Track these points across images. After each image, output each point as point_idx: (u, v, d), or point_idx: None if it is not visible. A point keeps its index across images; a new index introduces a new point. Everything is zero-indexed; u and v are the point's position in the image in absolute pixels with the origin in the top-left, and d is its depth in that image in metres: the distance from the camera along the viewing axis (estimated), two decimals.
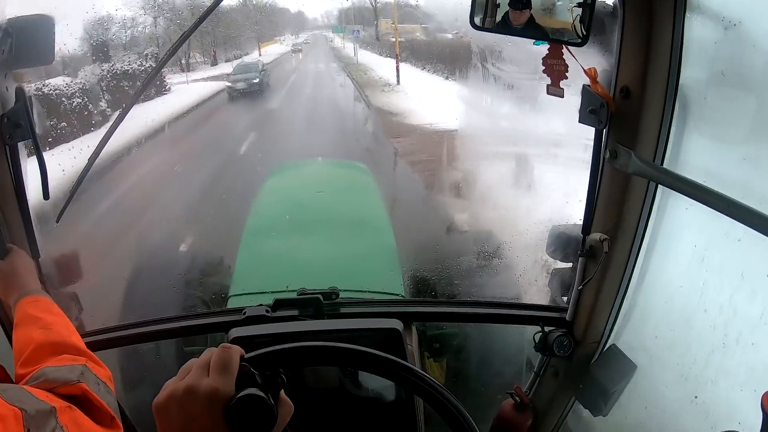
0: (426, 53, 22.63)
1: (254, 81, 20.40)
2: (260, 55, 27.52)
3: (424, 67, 22.21)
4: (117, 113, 2.13)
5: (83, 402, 1.32)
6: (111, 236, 6.50)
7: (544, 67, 2.07)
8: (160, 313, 2.74)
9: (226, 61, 24.26)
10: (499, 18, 1.98)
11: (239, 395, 1.00)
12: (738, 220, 1.68)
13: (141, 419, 2.29)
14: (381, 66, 23.88)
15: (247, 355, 1.11)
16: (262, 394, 1.01)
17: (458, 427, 1.27)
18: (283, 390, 1.07)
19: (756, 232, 1.61)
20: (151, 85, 2.22)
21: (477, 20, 2.00)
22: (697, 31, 1.95)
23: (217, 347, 1.07)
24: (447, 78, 18.26)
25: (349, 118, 17.94)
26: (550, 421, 2.71)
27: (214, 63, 24.32)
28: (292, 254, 3.92)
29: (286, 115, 17.56)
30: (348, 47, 31.43)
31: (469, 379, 3.29)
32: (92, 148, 2.12)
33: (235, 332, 2.27)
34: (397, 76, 20.48)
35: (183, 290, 4.08)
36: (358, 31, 27.75)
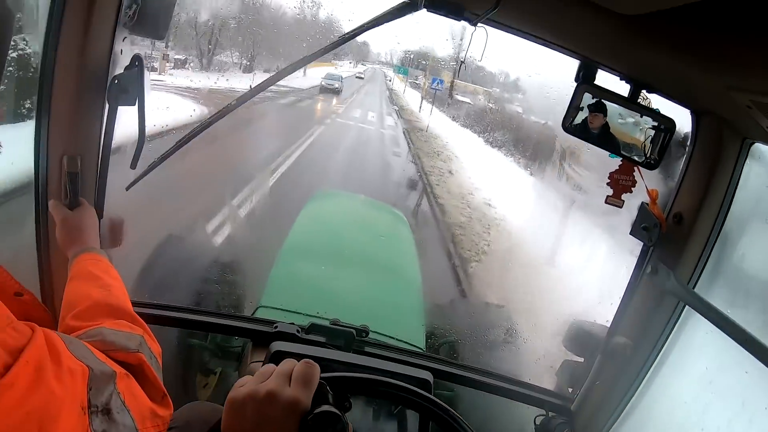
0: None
1: None
2: (304, 74, 24.45)
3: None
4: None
5: (138, 373, 1.30)
6: (156, 214, 6.53)
7: (609, 180, 2.23)
8: (180, 301, 2.78)
9: (265, 71, 20.28)
10: (578, 120, 2.12)
11: (318, 410, 1.08)
12: (751, 353, 1.81)
13: None
14: (467, 148, 17.96)
15: (323, 375, 1.18)
16: (338, 413, 1.10)
17: None
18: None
19: (763, 367, 1.76)
20: (267, 86, 2.26)
21: (567, 122, 2.13)
22: (753, 177, 2.13)
23: (298, 361, 1.16)
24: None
25: None
26: None
27: (248, 70, 20.99)
28: (325, 282, 3.99)
29: None
30: (411, 96, 28.66)
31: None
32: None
33: (276, 346, 2.30)
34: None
35: (213, 286, 4.19)
36: (441, 82, 22.98)
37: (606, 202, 2.26)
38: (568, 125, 2.13)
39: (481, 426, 3.14)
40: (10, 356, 0.88)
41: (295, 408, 1.07)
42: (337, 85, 26.25)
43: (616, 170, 2.22)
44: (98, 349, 1.20)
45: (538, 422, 2.63)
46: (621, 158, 2.17)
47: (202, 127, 2.25)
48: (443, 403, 1.45)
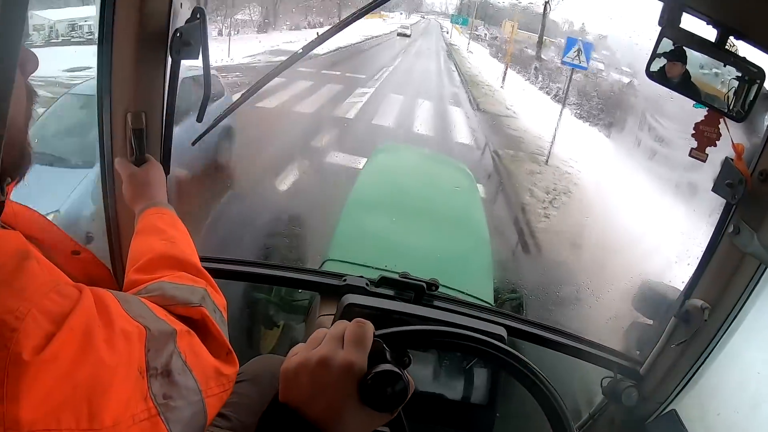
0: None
1: None
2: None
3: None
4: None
5: (200, 328, 1.25)
6: (226, 170, 6.59)
7: (694, 131, 2.10)
8: (249, 255, 2.80)
9: (293, 28, 18.01)
10: (656, 68, 2.00)
11: (377, 370, 1.03)
12: None
13: None
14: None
15: (378, 332, 1.12)
16: (398, 371, 1.04)
17: None
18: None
19: None
20: (322, 41, 2.21)
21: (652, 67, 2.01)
22: None
23: (349, 321, 1.10)
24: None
25: None
26: None
27: (263, 29, 18.04)
28: (391, 235, 3.98)
29: None
30: (478, 54, 22.03)
31: (522, 402, 3.29)
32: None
33: (349, 299, 2.30)
34: None
35: (282, 240, 4.22)
36: (465, 20, 17.15)
37: (690, 155, 2.12)
38: (650, 71, 2.01)
39: None
40: (54, 324, 0.82)
41: (350, 371, 1.02)
42: None
43: (701, 121, 2.07)
44: (158, 304, 1.17)
45: (605, 384, 2.57)
46: (706, 108, 2.03)
47: (264, 80, 2.19)
48: (517, 353, 1.42)
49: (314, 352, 1.05)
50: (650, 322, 2.61)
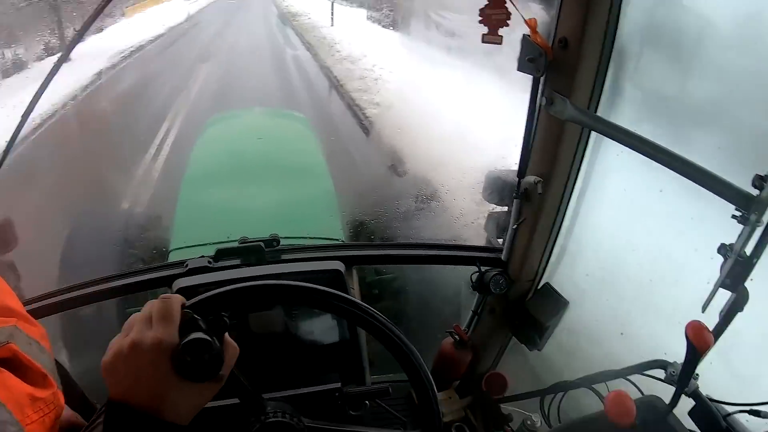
0: None
1: None
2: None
3: None
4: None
5: (13, 363, 1.21)
6: (42, 197, 6.21)
7: (481, 17, 2.07)
8: (101, 274, 2.65)
9: None
10: None
11: (184, 341, 1.01)
12: (665, 165, 1.77)
13: (92, 385, 2.25)
14: None
15: (188, 303, 1.12)
16: (206, 337, 1.03)
17: (404, 360, 1.37)
18: (227, 333, 1.09)
19: (679, 180, 1.71)
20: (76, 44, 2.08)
21: None
22: None
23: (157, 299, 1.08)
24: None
25: None
26: (489, 357, 2.82)
27: None
28: (231, 204, 3.89)
29: None
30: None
31: (409, 321, 3.35)
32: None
33: (179, 283, 2.23)
34: None
35: (122, 248, 4.03)
36: None
37: (483, 41, 2.11)
38: None
39: (420, 299, 3.16)
40: None
41: (160, 348, 1.00)
42: None
43: (485, 5, 2.06)
44: None
45: (474, 279, 2.61)
46: None
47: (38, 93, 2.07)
48: (316, 286, 1.33)
49: (125, 339, 1.02)
50: (505, 209, 2.66)
